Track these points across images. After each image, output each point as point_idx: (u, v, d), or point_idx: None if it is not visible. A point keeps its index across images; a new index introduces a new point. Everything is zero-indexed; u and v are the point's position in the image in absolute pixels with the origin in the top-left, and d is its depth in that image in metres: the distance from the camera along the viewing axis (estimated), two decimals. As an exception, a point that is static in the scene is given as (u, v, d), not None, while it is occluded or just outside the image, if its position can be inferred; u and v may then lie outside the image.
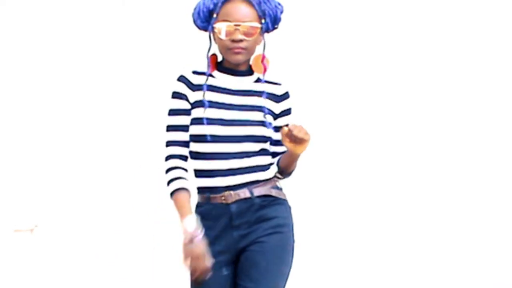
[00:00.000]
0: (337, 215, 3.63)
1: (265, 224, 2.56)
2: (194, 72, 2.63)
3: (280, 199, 2.60)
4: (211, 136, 2.53)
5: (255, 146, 2.57)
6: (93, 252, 3.54)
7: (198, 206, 2.62)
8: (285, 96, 2.65)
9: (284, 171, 2.64)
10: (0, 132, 3.53)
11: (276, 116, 2.62)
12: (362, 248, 3.61)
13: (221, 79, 2.60)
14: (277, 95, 2.63)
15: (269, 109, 2.60)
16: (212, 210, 2.56)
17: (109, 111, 3.60)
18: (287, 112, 2.65)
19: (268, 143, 2.62)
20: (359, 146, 3.64)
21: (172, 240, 3.28)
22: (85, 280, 3.52)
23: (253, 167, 2.57)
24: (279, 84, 2.66)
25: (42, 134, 3.56)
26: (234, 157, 2.55)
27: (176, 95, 2.59)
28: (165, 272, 3.51)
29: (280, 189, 2.63)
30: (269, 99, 2.61)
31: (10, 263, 3.46)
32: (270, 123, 2.57)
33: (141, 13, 3.56)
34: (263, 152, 2.60)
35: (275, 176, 2.60)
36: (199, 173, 2.59)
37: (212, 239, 2.53)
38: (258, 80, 2.62)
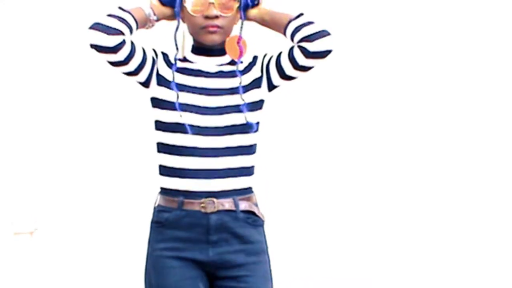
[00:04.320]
0: (335, 215, 3.63)
1: (247, 247, 2.21)
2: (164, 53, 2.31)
3: (261, 220, 2.26)
4: (191, 126, 2.14)
5: (238, 140, 2.20)
6: (93, 255, 3.54)
7: (161, 210, 2.22)
8: (256, 56, 2.30)
9: (288, 22, 2.20)
10: (-1, 134, 3.50)
11: (266, 68, 2.25)
12: (362, 249, 3.62)
13: (194, 61, 2.25)
14: (251, 62, 2.29)
15: (249, 84, 2.23)
16: (183, 218, 2.17)
17: (108, 116, 3.57)
18: (266, 56, 2.28)
19: (254, 136, 2.23)
20: (357, 146, 3.63)
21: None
22: (85, 283, 3.54)
23: (238, 169, 2.20)
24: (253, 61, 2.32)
25: (42, 135, 3.51)
26: (217, 155, 2.17)
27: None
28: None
29: (257, 206, 2.28)
30: (245, 73, 2.25)
31: (10, 266, 3.47)
32: (246, 105, 2.19)
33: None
34: (246, 149, 2.23)
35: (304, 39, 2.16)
36: (168, 171, 2.20)
37: (178, 251, 2.17)
38: (233, 61, 2.28)
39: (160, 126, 2.21)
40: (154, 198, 2.27)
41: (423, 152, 3.63)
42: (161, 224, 2.21)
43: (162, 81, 2.23)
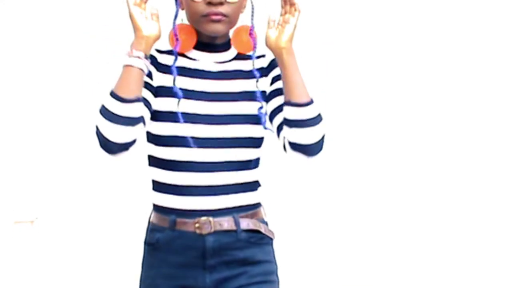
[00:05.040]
0: (335, 216, 3.62)
1: (251, 269, 1.93)
2: (159, 51, 1.98)
3: (268, 238, 1.98)
4: (193, 139, 1.88)
5: (245, 154, 1.93)
6: (94, 244, 3.55)
7: (153, 229, 1.99)
8: (274, 63, 1.97)
9: (295, 102, 1.84)
10: (0, 124, 3.50)
11: (267, 95, 1.96)
12: (362, 249, 3.62)
13: (194, 58, 1.95)
14: (265, 68, 1.98)
15: (262, 92, 1.94)
16: (176, 240, 1.92)
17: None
18: (278, 77, 1.95)
19: (258, 150, 1.97)
20: (357, 146, 3.62)
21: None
22: (86, 272, 3.54)
23: (241, 184, 1.94)
24: (264, 56, 2.00)
25: (43, 126, 3.52)
26: (217, 169, 1.90)
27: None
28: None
29: (266, 223, 2.01)
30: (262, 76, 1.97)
31: (11, 255, 3.48)
32: (265, 116, 1.92)
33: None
34: (252, 163, 1.96)
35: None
36: (161, 187, 1.95)
37: (170, 278, 1.93)
38: (239, 57, 1.98)
39: (153, 139, 1.96)
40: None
41: (430, 154, 3.63)
42: (153, 246, 1.97)
43: (160, 91, 1.94)
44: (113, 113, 1.80)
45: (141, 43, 1.83)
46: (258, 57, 2.00)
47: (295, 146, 1.88)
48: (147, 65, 1.83)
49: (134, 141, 1.85)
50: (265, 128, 1.94)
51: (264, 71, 1.99)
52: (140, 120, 1.83)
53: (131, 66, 1.82)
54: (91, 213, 3.56)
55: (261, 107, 1.93)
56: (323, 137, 1.89)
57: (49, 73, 3.51)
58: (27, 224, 3.52)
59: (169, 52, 1.97)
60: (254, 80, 1.95)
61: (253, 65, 1.96)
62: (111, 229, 3.57)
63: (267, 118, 1.97)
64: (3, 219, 3.50)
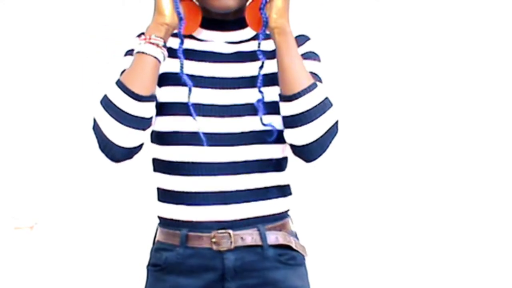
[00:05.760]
0: (336, 217, 3.57)
1: None
2: None
3: (301, 255, 1.66)
4: (206, 135, 1.56)
5: (269, 151, 1.61)
6: (94, 249, 3.51)
7: (160, 249, 1.66)
8: (298, 40, 1.65)
9: (284, 93, 1.54)
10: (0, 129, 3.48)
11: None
12: (362, 250, 3.57)
13: (203, 38, 1.66)
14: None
15: (267, 76, 1.60)
16: (188, 259, 1.59)
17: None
18: (305, 56, 1.64)
19: (286, 146, 1.62)
20: (358, 147, 3.58)
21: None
22: (86, 277, 3.51)
23: (266, 189, 1.61)
24: None
25: (42, 130, 3.49)
26: (236, 172, 1.58)
27: (132, 52, 1.63)
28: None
29: (296, 235, 1.69)
30: (272, 57, 1.61)
31: (10, 261, 3.44)
32: (263, 103, 1.57)
33: (142, 13, 3.46)
34: (279, 163, 1.65)
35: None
36: (169, 196, 1.64)
37: None
38: (256, 37, 1.67)
39: (157, 138, 1.67)
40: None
41: (423, 153, 3.58)
42: (160, 267, 1.64)
43: (164, 80, 1.64)
44: (122, 111, 1.53)
45: (161, 30, 1.55)
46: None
47: (292, 148, 1.59)
48: (165, 56, 1.56)
49: (140, 146, 1.58)
50: (263, 124, 1.58)
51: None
52: (150, 121, 1.57)
53: (148, 55, 1.53)
54: (92, 218, 3.53)
55: (260, 99, 1.58)
56: (325, 135, 1.54)
57: (49, 73, 3.48)
58: (26, 230, 3.49)
59: (173, 35, 1.64)
60: (270, 64, 1.61)
61: (259, 46, 1.59)
62: (112, 234, 3.54)
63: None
64: (2, 224, 3.46)
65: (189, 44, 1.65)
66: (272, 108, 1.59)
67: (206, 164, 1.58)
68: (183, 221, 1.60)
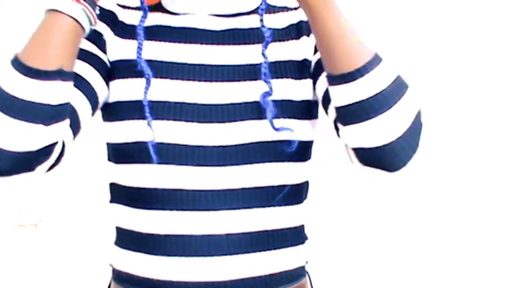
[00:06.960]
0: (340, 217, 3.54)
1: None
2: (122, 6, 1.21)
3: None
4: (187, 149, 1.05)
5: (279, 174, 1.08)
6: (98, 247, 3.50)
7: None
8: (301, 25, 1.21)
9: (336, 72, 1.04)
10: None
11: (312, 69, 1.12)
12: (363, 251, 3.55)
13: (179, 11, 1.12)
14: (294, 25, 1.17)
15: (274, 64, 1.09)
16: None
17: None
18: None
19: (305, 165, 1.14)
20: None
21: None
22: (90, 275, 3.51)
23: (278, 232, 1.10)
24: (290, 9, 1.18)
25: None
26: (234, 205, 1.05)
27: None
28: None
29: None
30: (278, 39, 1.14)
31: (14, 259, 3.45)
32: (273, 108, 1.03)
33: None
34: (296, 190, 1.14)
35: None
36: (130, 241, 1.17)
37: None
38: (255, 11, 1.16)
39: (115, 153, 1.22)
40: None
41: (425, 153, 3.55)
42: None
43: (119, 69, 1.17)
44: (9, 95, 1.01)
45: None
46: (287, 9, 1.18)
47: (360, 153, 1.08)
48: (91, 18, 1.07)
49: (49, 151, 1.01)
50: (275, 128, 1.05)
51: (293, 31, 1.17)
52: (62, 113, 1.09)
53: (59, 12, 1.06)
54: (96, 216, 3.51)
55: (267, 92, 1.06)
56: (412, 128, 1.03)
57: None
58: (30, 228, 3.50)
59: (137, 8, 1.16)
60: (276, 47, 1.09)
61: (262, 20, 1.10)
62: (115, 233, 3.54)
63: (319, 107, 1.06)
64: (6, 222, 3.46)
65: (157, 18, 1.13)
66: (284, 109, 1.09)
67: (186, 192, 1.05)
68: (147, 279, 1.08)
